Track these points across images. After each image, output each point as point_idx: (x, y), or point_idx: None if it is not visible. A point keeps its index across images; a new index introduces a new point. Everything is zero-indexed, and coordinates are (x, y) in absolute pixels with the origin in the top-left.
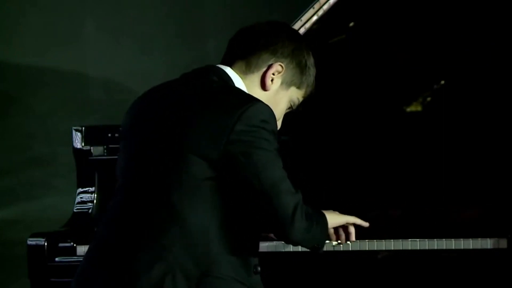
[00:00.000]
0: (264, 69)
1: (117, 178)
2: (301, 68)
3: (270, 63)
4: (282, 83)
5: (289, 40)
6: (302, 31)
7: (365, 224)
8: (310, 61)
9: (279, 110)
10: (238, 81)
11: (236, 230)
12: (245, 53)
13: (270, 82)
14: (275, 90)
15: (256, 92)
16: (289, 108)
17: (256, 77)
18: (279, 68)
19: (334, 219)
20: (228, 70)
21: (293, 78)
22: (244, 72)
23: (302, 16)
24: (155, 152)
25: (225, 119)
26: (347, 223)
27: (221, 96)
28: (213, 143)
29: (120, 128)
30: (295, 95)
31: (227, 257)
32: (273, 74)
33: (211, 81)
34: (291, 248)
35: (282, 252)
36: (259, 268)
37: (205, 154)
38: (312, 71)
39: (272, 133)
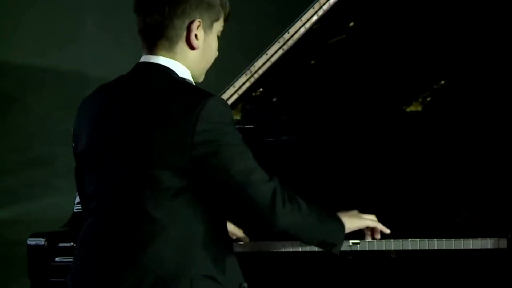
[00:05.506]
0: (184, 34)
1: (84, 198)
2: (211, 5)
3: (186, 25)
4: (205, 31)
5: None
6: (302, 31)
7: (386, 230)
8: None
9: (214, 50)
10: (172, 64)
11: (221, 233)
12: (159, 31)
13: (196, 40)
14: (203, 41)
15: (190, 56)
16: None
17: (182, 45)
18: (197, 23)
19: (352, 223)
20: (160, 59)
21: (210, 18)
22: (171, 48)
23: (302, 16)
24: (124, 171)
25: (183, 123)
26: (366, 227)
27: (171, 100)
28: (178, 151)
29: (73, 142)
30: (219, 27)
31: (214, 262)
32: (195, 32)
33: (155, 81)
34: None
35: (282, 252)
36: (245, 285)
37: (172, 164)
38: None
39: (232, 124)
